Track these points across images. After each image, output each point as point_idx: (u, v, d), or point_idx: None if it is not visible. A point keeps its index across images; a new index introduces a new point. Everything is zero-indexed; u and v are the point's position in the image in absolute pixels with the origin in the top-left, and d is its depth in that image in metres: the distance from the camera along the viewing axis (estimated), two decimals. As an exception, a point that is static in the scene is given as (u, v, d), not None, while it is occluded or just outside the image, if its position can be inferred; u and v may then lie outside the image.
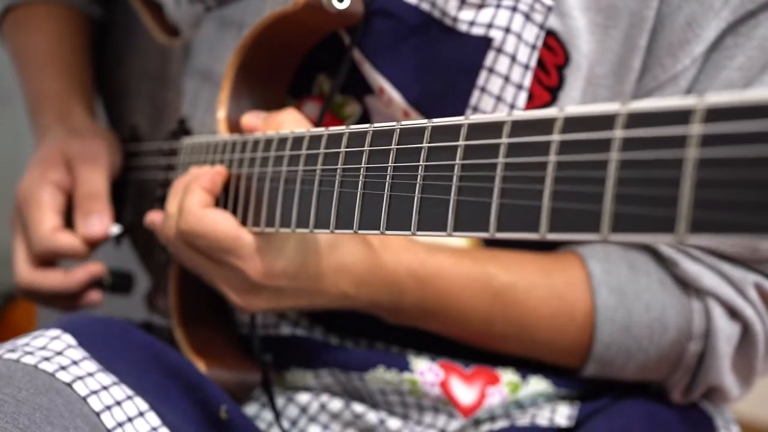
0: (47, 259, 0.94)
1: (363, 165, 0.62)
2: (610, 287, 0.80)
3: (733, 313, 0.80)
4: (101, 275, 0.94)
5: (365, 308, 0.80)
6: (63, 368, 0.73)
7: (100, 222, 0.93)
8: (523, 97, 0.77)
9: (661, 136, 0.42)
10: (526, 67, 0.77)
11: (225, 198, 0.78)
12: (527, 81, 0.77)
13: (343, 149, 0.64)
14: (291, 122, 0.76)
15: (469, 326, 0.81)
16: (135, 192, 0.98)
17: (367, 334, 0.85)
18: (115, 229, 0.95)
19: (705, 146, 0.40)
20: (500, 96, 0.77)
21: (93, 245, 0.94)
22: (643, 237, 0.43)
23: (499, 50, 0.77)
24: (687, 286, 0.81)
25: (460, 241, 0.84)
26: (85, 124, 1.00)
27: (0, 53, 1.19)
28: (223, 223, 0.75)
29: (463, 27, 0.78)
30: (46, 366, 0.72)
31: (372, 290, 0.77)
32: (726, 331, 0.79)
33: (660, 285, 0.80)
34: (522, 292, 0.80)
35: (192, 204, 0.76)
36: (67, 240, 0.92)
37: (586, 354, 0.82)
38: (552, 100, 0.78)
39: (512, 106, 0.77)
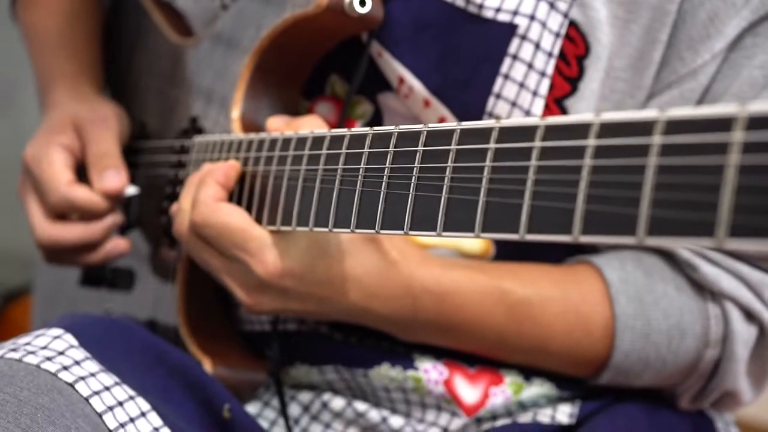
0: (63, 213, 0.93)
1: (387, 165, 0.62)
2: (628, 296, 0.80)
3: (750, 316, 0.81)
4: (120, 222, 0.94)
5: (377, 324, 0.80)
6: (65, 368, 0.73)
7: (118, 176, 0.92)
8: (545, 85, 0.78)
9: (702, 143, 0.43)
10: (550, 54, 0.78)
11: (239, 195, 0.78)
12: (550, 69, 0.78)
13: (366, 149, 0.65)
14: (312, 127, 0.76)
15: (484, 342, 0.81)
16: (143, 189, 0.98)
17: (372, 332, 0.85)
18: (132, 189, 0.94)
19: (747, 153, 0.41)
20: (523, 83, 0.79)
21: (110, 200, 0.93)
22: (680, 241, 0.43)
23: (524, 37, 0.78)
24: (703, 290, 0.81)
25: (471, 247, 0.84)
26: (94, 98, 1.01)
27: (1, 53, 1.18)
28: (235, 216, 0.75)
29: (489, 14, 0.79)
30: (48, 366, 0.72)
31: (383, 304, 0.77)
32: (743, 335, 0.80)
33: (677, 291, 0.81)
34: (537, 308, 0.80)
35: (206, 196, 0.77)
36: (84, 193, 0.92)
37: (603, 364, 0.82)
38: (572, 90, 0.79)
39: (535, 94, 0.78)
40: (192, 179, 0.81)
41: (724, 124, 0.42)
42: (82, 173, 0.95)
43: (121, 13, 1.12)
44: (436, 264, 0.79)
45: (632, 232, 0.45)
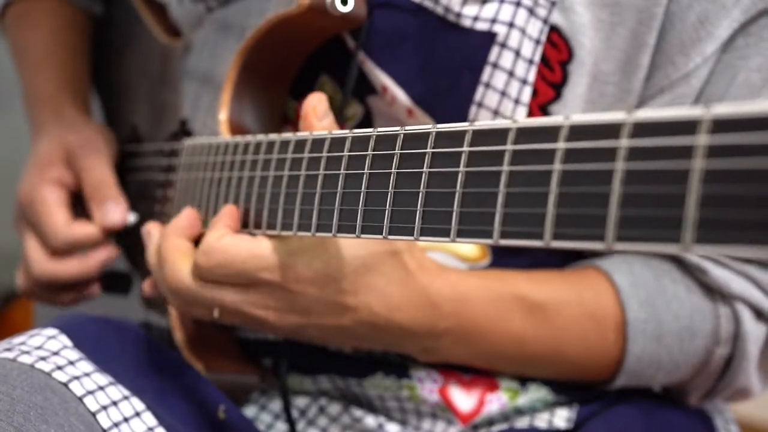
0: (64, 253, 0.95)
1: (366, 171, 0.62)
2: (639, 300, 0.80)
3: (760, 315, 0.80)
4: (115, 255, 0.95)
5: (398, 341, 0.77)
6: (59, 368, 0.73)
7: (118, 209, 0.93)
8: (527, 92, 0.77)
9: (667, 146, 0.42)
10: (531, 61, 0.77)
11: (225, 198, 0.78)
12: (531, 76, 0.77)
13: (346, 153, 0.64)
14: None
15: (503, 350, 0.79)
16: (134, 193, 0.98)
17: None
18: (132, 217, 0.95)
19: (711, 157, 0.40)
20: (505, 91, 0.78)
21: (110, 233, 0.94)
22: (648, 246, 0.43)
23: (503, 45, 0.77)
24: (713, 291, 0.81)
25: (468, 252, 0.84)
26: (79, 120, 1.01)
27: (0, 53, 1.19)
28: (244, 246, 0.72)
29: (466, 22, 0.78)
30: (42, 365, 0.72)
31: (405, 315, 0.74)
32: (754, 334, 0.80)
33: (687, 292, 0.80)
34: (552, 311, 0.79)
35: (213, 239, 0.73)
36: (84, 229, 0.93)
37: (616, 368, 0.81)
38: (556, 96, 0.78)
39: (517, 102, 0.78)
40: (168, 252, 0.76)
41: (689, 127, 0.41)
42: (76, 200, 0.96)
43: (112, 15, 1.11)
44: (452, 272, 0.77)
45: (601, 238, 0.45)
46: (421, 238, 0.57)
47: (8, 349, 0.74)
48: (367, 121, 0.84)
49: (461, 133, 0.55)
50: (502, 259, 0.83)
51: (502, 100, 0.77)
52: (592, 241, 0.45)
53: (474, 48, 0.78)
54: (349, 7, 0.77)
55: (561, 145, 0.48)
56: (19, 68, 1.09)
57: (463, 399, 0.83)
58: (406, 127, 0.60)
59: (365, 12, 0.79)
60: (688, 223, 0.41)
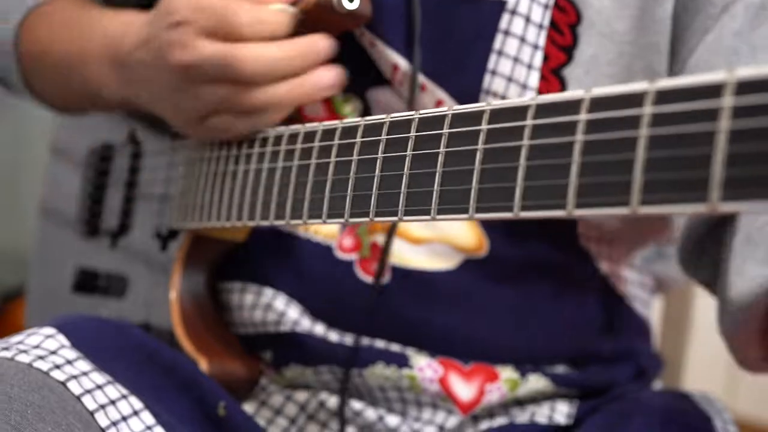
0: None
1: (380, 155, 0.63)
2: None
3: None
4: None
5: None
6: (57, 367, 0.73)
7: None
8: (539, 57, 0.79)
9: (692, 110, 0.43)
10: (541, 26, 0.79)
11: (231, 192, 0.78)
12: (542, 40, 0.79)
13: (359, 139, 0.65)
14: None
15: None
16: (135, 192, 0.98)
17: (368, 332, 0.85)
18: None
19: (737, 118, 0.42)
20: (517, 57, 0.79)
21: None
22: (673, 208, 0.44)
23: (513, 12, 0.79)
24: None
25: (465, 242, 0.85)
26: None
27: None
28: None
29: None
30: (40, 364, 0.72)
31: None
32: None
33: None
34: None
35: None
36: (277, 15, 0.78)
37: None
38: (567, 59, 0.80)
39: (529, 67, 0.79)
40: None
41: (713, 90, 0.43)
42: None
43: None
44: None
45: (626, 203, 0.46)
46: (438, 217, 0.58)
47: (6, 348, 0.74)
48: (366, 116, 0.85)
49: (478, 114, 0.56)
50: (500, 249, 0.84)
51: (515, 66, 0.79)
52: (616, 207, 0.46)
53: (485, 17, 0.79)
54: (355, 5, 0.78)
55: (583, 116, 0.49)
56: (45, 64, 0.97)
57: (463, 388, 0.83)
58: (421, 111, 0.61)
59: (371, 10, 0.80)
60: (715, 182, 0.42)
